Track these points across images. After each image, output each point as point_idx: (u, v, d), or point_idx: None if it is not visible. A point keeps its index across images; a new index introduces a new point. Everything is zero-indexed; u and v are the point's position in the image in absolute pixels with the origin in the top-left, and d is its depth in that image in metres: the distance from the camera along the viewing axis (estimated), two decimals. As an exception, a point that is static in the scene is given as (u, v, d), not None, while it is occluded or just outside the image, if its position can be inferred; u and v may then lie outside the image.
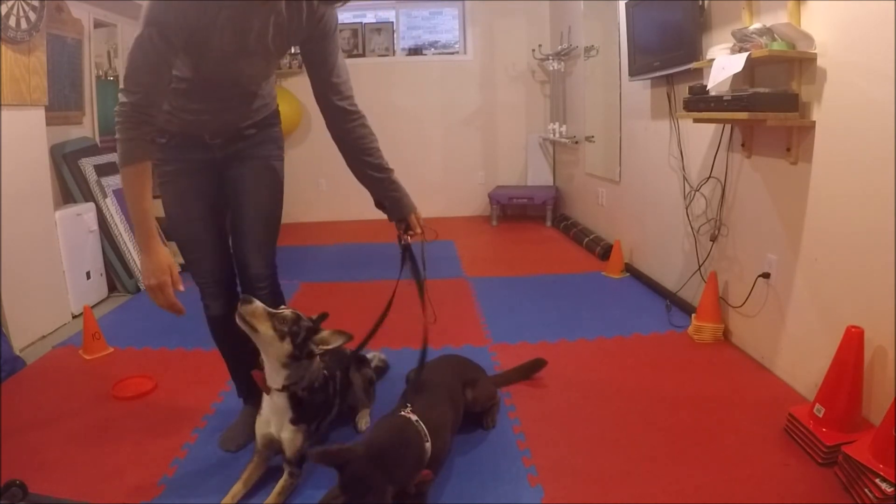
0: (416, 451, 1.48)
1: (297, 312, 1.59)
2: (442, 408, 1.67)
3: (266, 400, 1.61)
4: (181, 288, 1.41)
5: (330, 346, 1.61)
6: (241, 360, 1.80)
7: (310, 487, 1.61)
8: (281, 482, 1.55)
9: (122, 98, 1.31)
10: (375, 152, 1.71)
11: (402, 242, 1.78)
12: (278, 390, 1.58)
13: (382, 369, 2.28)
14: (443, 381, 1.79)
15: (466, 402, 1.84)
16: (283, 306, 1.62)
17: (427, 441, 1.52)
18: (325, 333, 1.62)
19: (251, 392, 1.85)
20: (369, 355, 2.18)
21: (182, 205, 1.69)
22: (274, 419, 1.59)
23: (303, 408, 1.61)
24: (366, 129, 1.70)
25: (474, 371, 1.94)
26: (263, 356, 1.58)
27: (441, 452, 1.61)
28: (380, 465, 1.35)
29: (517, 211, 5.63)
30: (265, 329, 1.52)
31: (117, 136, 1.34)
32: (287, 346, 1.55)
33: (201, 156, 1.66)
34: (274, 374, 1.58)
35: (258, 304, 1.54)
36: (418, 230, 1.80)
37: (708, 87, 2.20)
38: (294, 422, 1.58)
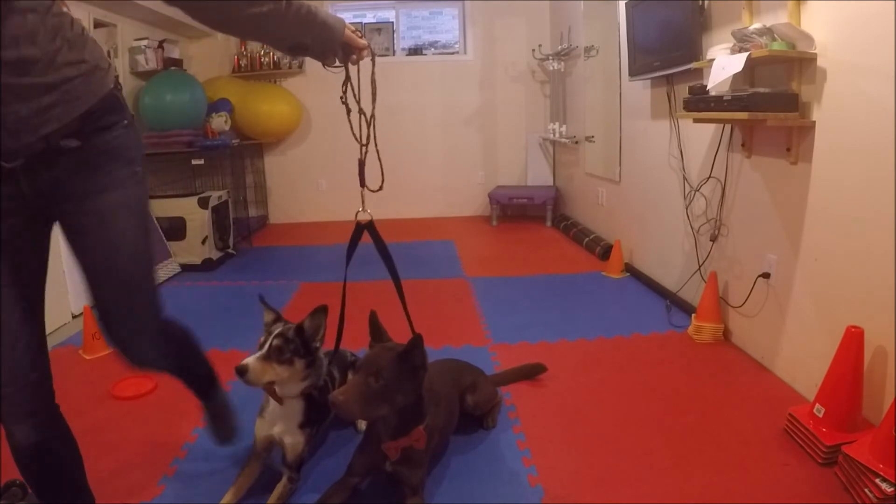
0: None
1: (278, 332, 1.53)
2: (435, 412, 1.65)
3: (272, 403, 1.59)
4: None
5: (321, 331, 1.58)
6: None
7: (308, 490, 1.61)
8: (279, 487, 1.54)
9: None
10: None
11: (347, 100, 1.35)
12: (294, 397, 1.57)
13: None
14: (437, 387, 1.71)
15: (468, 407, 1.83)
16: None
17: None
18: (307, 322, 1.58)
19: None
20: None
21: None
22: (280, 423, 1.58)
23: (313, 409, 1.60)
24: None
25: (473, 374, 1.93)
26: (282, 385, 1.55)
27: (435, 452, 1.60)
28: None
29: (517, 211, 5.63)
30: (278, 373, 1.50)
31: None
32: (300, 363, 1.54)
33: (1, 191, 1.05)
34: (292, 388, 1.56)
35: (250, 363, 1.45)
36: (363, 42, 1.31)
37: (708, 87, 2.20)
38: (302, 425, 1.58)
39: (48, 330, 1.12)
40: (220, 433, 1.66)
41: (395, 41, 5.70)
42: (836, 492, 1.54)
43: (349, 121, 1.41)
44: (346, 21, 1.28)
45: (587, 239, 4.29)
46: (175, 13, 4.42)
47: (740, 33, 2.09)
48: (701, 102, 2.26)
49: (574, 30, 4.74)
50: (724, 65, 2.07)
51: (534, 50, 5.46)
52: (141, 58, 4.32)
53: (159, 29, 4.70)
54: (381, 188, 1.47)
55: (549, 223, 5.23)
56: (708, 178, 2.67)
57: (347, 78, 1.37)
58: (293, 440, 1.56)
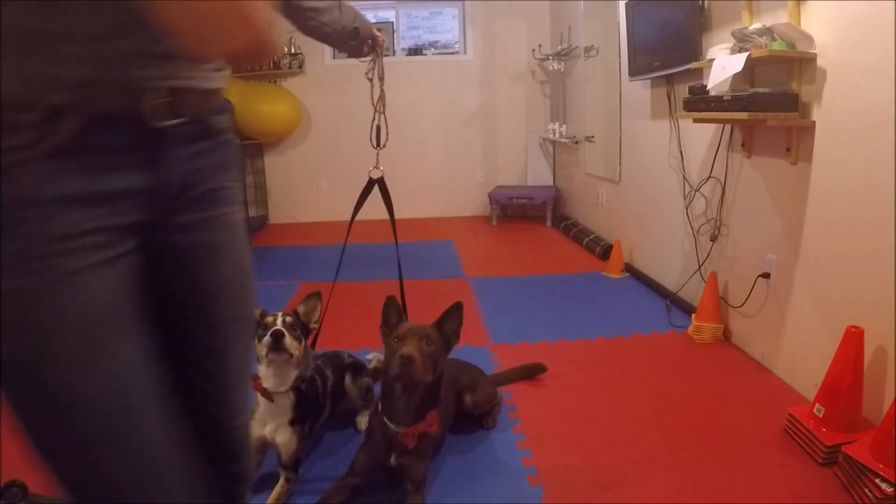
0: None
1: (282, 314, 1.61)
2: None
3: (263, 403, 1.59)
4: None
5: (316, 313, 1.66)
6: None
7: (307, 491, 1.61)
8: (277, 488, 1.54)
9: None
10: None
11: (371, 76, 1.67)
12: (284, 392, 1.57)
13: (381, 371, 2.27)
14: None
15: (468, 407, 1.84)
16: (289, 311, 1.62)
17: None
18: (300, 308, 1.66)
19: None
20: (369, 356, 2.18)
21: (97, 356, 0.66)
22: (271, 421, 1.58)
23: (303, 404, 1.60)
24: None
25: (472, 374, 1.93)
26: (276, 374, 1.57)
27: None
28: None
29: (517, 211, 5.63)
30: (293, 347, 1.55)
31: None
32: (303, 343, 1.59)
33: (130, 179, 0.69)
34: (283, 379, 1.57)
35: (284, 331, 1.52)
36: (380, 36, 1.61)
37: (708, 87, 2.20)
38: (293, 422, 1.58)
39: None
40: None
41: (395, 41, 5.70)
42: (836, 492, 1.54)
43: (371, 94, 1.68)
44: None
45: (587, 239, 4.29)
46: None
47: (740, 33, 2.09)
48: (701, 102, 2.26)
49: (574, 30, 4.74)
50: (724, 65, 2.07)
51: (534, 50, 5.46)
52: (141, 58, 4.31)
53: (159, 29, 4.70)
54: (384, 146, 1.71)
55: (549, 223, 5.23)
56: (708, 178, 2.67)
57: (377, 58, 1.66)
58: (285, 438, 1.56)
